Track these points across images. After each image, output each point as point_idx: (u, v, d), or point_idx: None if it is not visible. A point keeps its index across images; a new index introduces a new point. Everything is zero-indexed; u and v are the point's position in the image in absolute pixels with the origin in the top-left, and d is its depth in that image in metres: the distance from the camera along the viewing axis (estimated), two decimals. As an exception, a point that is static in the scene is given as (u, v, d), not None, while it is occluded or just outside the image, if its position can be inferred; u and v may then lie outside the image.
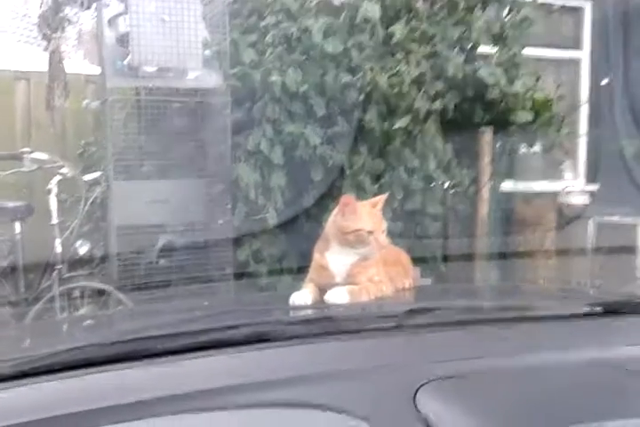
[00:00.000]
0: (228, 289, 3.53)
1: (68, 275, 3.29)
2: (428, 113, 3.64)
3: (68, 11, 3.50)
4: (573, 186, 6.39)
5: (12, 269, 3.53)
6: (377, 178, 3.81)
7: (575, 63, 6.67)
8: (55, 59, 3.67)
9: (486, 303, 1.35)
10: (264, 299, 2.05)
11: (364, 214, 1.58)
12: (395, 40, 3.65)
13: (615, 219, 5.86)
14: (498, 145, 4.33)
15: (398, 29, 3.64)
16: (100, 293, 3.29)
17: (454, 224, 4.38)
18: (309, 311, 1.49)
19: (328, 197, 3.66)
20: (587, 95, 6.58)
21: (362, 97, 3.64)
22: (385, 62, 3.65)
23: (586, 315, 1.26)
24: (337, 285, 1.53)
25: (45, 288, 3.32)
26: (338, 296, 1.49)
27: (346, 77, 3.63)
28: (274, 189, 3.60)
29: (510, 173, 4.69)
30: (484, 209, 4.14)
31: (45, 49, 3.73)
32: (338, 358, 1.04)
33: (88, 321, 1.98)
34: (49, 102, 4.06)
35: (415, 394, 0.91)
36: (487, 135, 4.10)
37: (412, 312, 1.22)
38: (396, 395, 0.91)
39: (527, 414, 0.91)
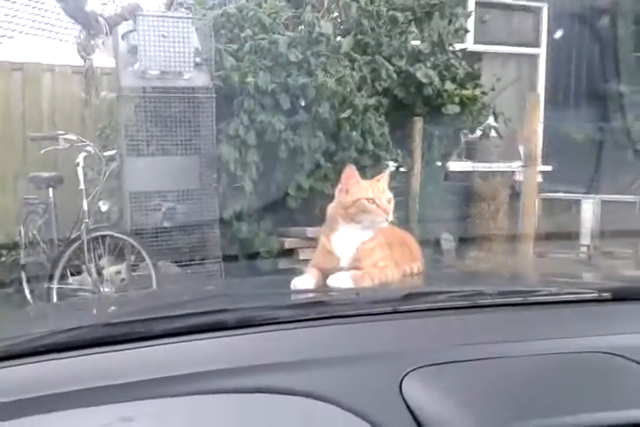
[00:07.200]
0: (215, 240, 4.43)
1: (93, 226, 4.08)
2: (367, 107, 4.56)
3: (98, 39, 4.50)
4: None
5: (47, 224, 4.38)
6: (330, 156, 4.67)
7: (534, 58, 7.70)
8: (89, 72, 4.68)
9: (487, 288, 1.21)
10: (263, 283, 2.02)
11: (363, 185, 1.51)
12: (342, 50, 4.60)
13: (559, 195, 6.88)
14: (431, 131, 5.27)
15: (345, 42, 4.59)
16: (117, 240, 4.18)
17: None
18: (302, 296, 1.42)
19: (291, 171, 4.59)
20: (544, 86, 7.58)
21: (317, 94, 4.47)
22: (335, 67, 4.55)
23: (593, 301, 1.18)
24: (341, 269, 1.46)
25: (76, 237, 4.09)
26: (340, 281, 1.42)
27: (304, 79, 4.44)
28: (249, 163, 4.43)
29: (445, 155, 5.67)
30: (416, 183, 5.07)
31: (82, 67, 4.73)
32: (327, 345, 1.00)
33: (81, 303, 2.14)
34: (86, 98, 5.04)
35: (401, 381, 0.88)
36: (418, 123, 5.02)
37: (408, 297, 1.16)
38: (382, 382, 0.89)
39: (519, 402, 0.88)
